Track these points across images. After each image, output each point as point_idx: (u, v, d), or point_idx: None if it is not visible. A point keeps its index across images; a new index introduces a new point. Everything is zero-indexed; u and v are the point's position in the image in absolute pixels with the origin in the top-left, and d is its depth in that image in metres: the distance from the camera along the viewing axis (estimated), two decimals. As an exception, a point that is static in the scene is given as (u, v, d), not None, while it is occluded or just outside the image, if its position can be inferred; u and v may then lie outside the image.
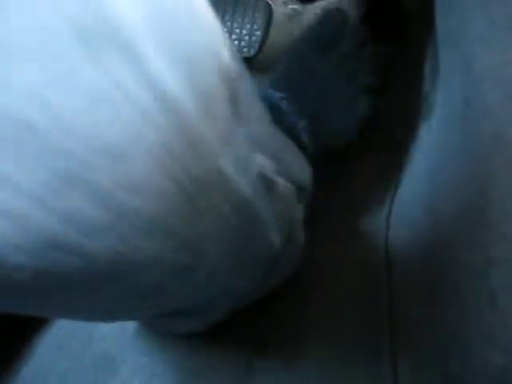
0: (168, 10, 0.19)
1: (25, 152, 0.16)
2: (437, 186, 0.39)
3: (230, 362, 0.44)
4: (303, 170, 0.42)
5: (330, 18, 0.55)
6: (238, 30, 0.59)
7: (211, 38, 0.22)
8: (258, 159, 0.30)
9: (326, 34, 0.53)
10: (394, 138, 0.57)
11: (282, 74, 0.52)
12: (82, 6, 0.16)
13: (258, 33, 0.60)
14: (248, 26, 0.58)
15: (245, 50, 0.60)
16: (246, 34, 0.58)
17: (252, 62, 0.62)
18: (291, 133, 0.47)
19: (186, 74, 0.20)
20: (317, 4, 0.70)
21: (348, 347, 0.45)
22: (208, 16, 0.22)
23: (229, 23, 0.59)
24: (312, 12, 0.69)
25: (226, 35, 0.23)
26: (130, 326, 0.48)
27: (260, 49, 0.59)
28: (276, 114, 0.46)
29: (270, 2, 0.69)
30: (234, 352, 0.45)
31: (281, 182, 0.35)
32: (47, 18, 0.15)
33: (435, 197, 0.39)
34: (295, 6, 0.70)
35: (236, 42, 0.59)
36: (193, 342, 0.46)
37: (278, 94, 0.49)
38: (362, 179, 0.55)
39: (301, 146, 0.47)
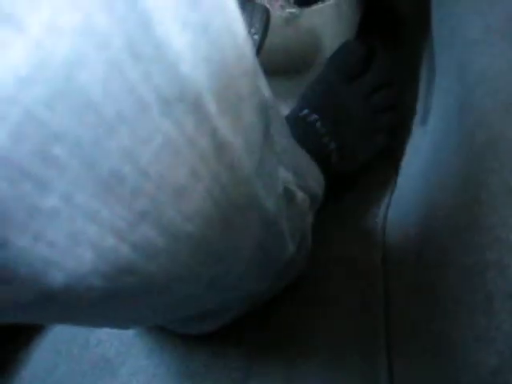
0: (224, 63, 0.21)
1: (113, 194, 0.19)
2: (433, 190, 0.40)
3: (229, 365, 0.44)
4: (318, 182, 0.45)
5: (355, 49, 0.58)
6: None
7: (254, 80, 0.24)
8: (281, 173, 0.33)
9: (351, 64, 0.57)
10: (392, 140, 0.58)
11: (314, 98, 0.56)
12: (167, 79, 0.18)
13: (256, 37, 0.60)
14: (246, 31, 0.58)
15: (242, 54, 0.61)
16: (243, 39, 0.58)
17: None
18: (322, 152, 0.52)
19: (234, 117, 0.22)
20: (314, 7, 0.70)
21: (344, 351, 0.45)
22: (251, 57, 0.23)
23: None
24: (309, 15, 0.70)
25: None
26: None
27: (258, 52, 0.60)
28: (311, 133, 0.53)
29: (268, 6, 0.70)
30: (233, 355, 0.45)
31: (299, 193, 0.39)
32: (140, 91, 0.18)
33: (431, 200, 0.39)
34: (293, 10, 0.70)
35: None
36: (193, 345, 0.46)
37: (314, 116, 0.54)
38: (358, 182, 0.56)
39: (328, 166, 0.52)
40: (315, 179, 0.44)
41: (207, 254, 0.25)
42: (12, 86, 0.15)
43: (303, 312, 0.47)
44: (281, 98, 0.62)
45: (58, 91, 0.16)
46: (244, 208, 0.26)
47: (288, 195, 0.35)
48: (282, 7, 0.70)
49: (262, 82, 0.26)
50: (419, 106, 0.55)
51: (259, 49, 0.60)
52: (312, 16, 0.69)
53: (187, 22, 0.18)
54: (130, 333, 0.48)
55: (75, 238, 0.19)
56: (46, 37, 0.15)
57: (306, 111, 0.54)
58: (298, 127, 0.53)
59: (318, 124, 0.53)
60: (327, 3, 0.69)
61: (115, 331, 0.48)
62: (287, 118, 0.55)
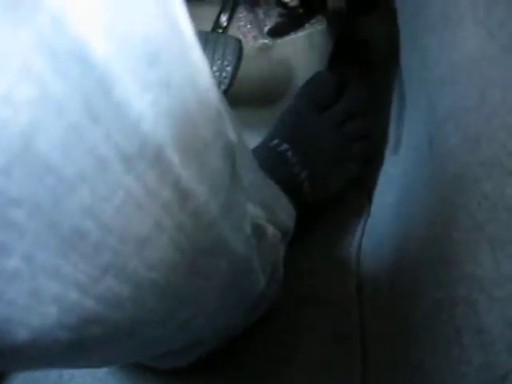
0: (186, 114, 0.21)
1: (75, 251, 0.19)
2: (405, 221, 0.40)
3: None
4: (288, 214, 0.45)
5: (326, 79, 0.59)
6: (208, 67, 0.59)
7: (218, 125, 0.24)
8: (249, 209, 0.33)
9: (321, 94, 0.57)
10: (366, 168, 0.58)
11: (285, 127, 0.57)
12: (128, 137, 0.18)
13: (229, 68, 0.60)
14: (219, 63, 0.59)
15: (215, 85, 0.61)
16: (216, 71, 0.59)
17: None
18: (293, 182, 0.52)
19: (198, 165, 0.22)
20: (287, 38, 0.71)
21: (322, 379, 0.45)
22: (215, 103, 0.23)
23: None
24: (282, 46, 0.71)
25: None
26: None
27: (231, 84, 0.60)
28: (281, 163, 0.53)
29: (241, 37, 0.70)
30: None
31: (270, 228, 0.38)
32: (100, 150, 0.17)
33: (404, 231, 0.40)
34: (266, 41, 0.71)
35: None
36: (164, 381, 0.46)
37: (285, 146, 0.54)
38: (332, 211, 0.56)
39: (300, 195, 0.52)
40: (286, 212, 0.44)
41: (173, 298, 0.25)
42: None
43: (277, 343, 0.47)
44: (254, 127, 0.62)
45: (15, 159, 0.15)
46: (210, 252, 0.26)
47: (258, 231, 0.35)
48: (255, 38, 0.71)
49: (227, 124, 0.25)
50: (391, 135, 0.56)
51: (232, 80, 0.60)
52: (284, 46, 0.70)
53: (147, 82, 0.18)
54: (103, 369, 0.47)
55: (37, 296, 0.19)
56: (1, 109, 0.15)
57: (276, 141, 0.54)
58: (269, 157, 0.53)
59: (289, 153, 0.53)
60: (299, 34, 0.70)
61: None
62: (258, 147, 0.55)
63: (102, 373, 0.47)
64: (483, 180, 0.26)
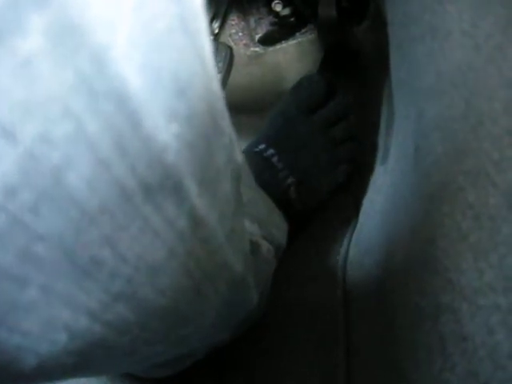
0: (205, 145, 0.21)
1: (90, 280, 0.19)
2: (392, 229, 0.40)
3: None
4: (281, 230, 0.45)
5: (315, 82, 0.58)
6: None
7: (230, 151, 0.24)
8: (247, 226, 0.33)
9: (309, 97, 0.57)
10: (353, 178, 0.59)
11: (272, 131, 0.56)
12: (152, 169, 0.18)
13: (219, 76, 0.61)
14: (209, 69, 0.59)
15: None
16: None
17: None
18: (279, 188, 0.52)
19: (212, 193, 0.23)
20: (278, 46, 0.72)
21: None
22: (229, 131, 0.24)
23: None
24: (273, 54, 0.71)
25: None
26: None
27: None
28: (267, 169, 0.52)
29: (232, 45, 0.71)
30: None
31: (264, 244, 0.39)
32: (124, 182, 0.18)
33: (390, 239, 0.40)
34: (257, 49, 0.72)
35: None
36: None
37: (271, 151, 0.53)
38: (319, 219, 0.56)
39: (287, 202, 0.52)
40: (279, 228, 0.44)
41: (175, 319, 0.25)
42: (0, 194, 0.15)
43: (262, 350, 0.47)
44: (244, 135, 0.62)
45: (44, 195, 0.16)
46: (214, 276, 0.26)
47: (253, 248, 0.35)
48: (247, 46, 0.71)
49: (237, 149, 0.26)
50: (379, 145, 0.57)
51: (222, 87, 0.60)
52: (275, 55, 0.71)
53: (174, 114, 0.18)
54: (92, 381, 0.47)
55: (50, 324, 0.19)
56: (37, 147, 0.15)
57: (262, 146, 0.54)
58: (255, 162, 0.53)
59: (275, 159, 0.53)
60: (290, 43, 0.71)
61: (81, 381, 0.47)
62: (243, 152, 0.55)
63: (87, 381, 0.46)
64: (468, 189, 0.26)
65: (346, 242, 0.53)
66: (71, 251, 0.17)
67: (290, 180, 0.53)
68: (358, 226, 0.54)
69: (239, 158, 0.26)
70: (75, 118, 0.15)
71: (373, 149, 0.58)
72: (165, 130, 0.18)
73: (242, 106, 0.66)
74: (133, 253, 0.19)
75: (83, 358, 0.21)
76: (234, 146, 0.25)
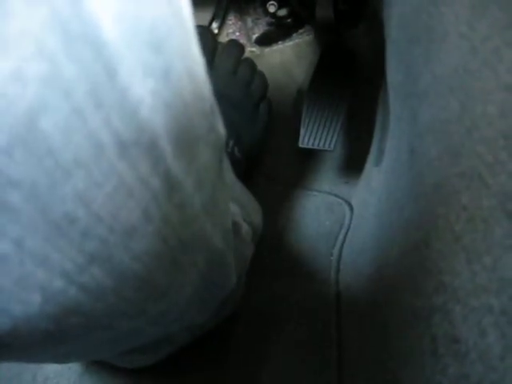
0: (182, 106, 0.21)
1: (63, 238, 0.18)
2: (385, 230, 0.40)
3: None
4: (257, 213, 0.46)
5: (228, 49, 0.62)
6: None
7: (211, 120, 0.24)
8: (231, 208, 0.34)
9: (228, 63, 0.60)
10: (348, 178, 0.59)
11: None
12: (126, 123, 0.18)
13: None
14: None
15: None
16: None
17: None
18: (226, 152, 0.53)
19: (189, 158, 0.22)
20: (275, 47, 0.72)
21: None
22: (209, 98, 0.24)
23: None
24: (269, 55, 0.71)
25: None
26: (76, 366, 0.47)
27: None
28: None
29: (229, 44, 0.71)
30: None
31: (244, 226, 0.39)
32: (99, 135, 0.17)
33: (384, 240, 0.40)
34: (253, 49, 0.72)
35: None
36: (141, 381, 0.46)
37: None
38: (313, 220, 0.56)
39: (235, 162, 0.53)
40: (256, 210, 0.45)
41: (152, 290, 0.25)
42: None
43: (253, 348, 0.47)
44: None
45: (18, 138, 0.15)
46: (191, 246, 0.26)
47: (234, 228, 0.35)
48: (244, 46, 0.71)
49: (219, 121, 0.26)
50: (374, 146, 0.57)
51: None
52: (272, 55, 0.71)
53: (150, 68, 0.18)
54: (77, 371, 0.46)
55: (23, 283, 0.19)
56: (10, 85, 0.15)
57: None
58: None
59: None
60: (287, 43, 0.71)
61: (62, 369, 0.47)
62: None
63: (76, 374, 0.46)
64: (462, 191, 0.26)
65: (339, 242, 0.53)
66: (45, 205, 0.17)
67: (231, 142, 0.54)
68: (352, 226, 0.54)
69: (221, 130, 0.26)
70: (49, 59, 0.15)
71: (367, 150, 0.58)
72: (140, 83, 0.18)
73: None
74: (107, 212, 0.19)
75: (57, 324, 0.21)
76: (216, 118, 0.25)
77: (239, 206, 0.38)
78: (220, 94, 0.57)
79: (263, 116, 0.62)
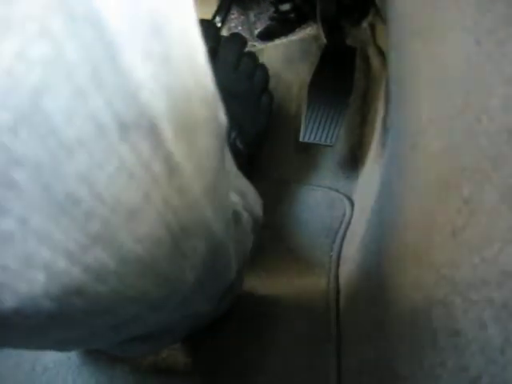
0: (183, 91, 0.21)
1: (67, 217, 0.19)
2: (385, 227, 0.40)
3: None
4: (257, 203, 0.46)
5: (231, 42, 0.63)
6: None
7: (212, 107, 0.25)
8: (232, 197, 0.34)
9: (231, 56, 0.61)
10: (348, 173, 0.59)
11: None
12: (127, 105, 0.19)
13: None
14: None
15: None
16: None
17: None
18: (228, 143, 0.53)
19: (189, 143, 0.23)
20: (277, 42, 0.72)
21: (296, 381, 0.45)
22: (210, 85, 0.24)
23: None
24: (272, 50, 0.71)
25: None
26: (75, 356, 0.47)
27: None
28: None
29: (231, 38, 0.71)
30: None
31: (245, 215, 0.40)
32: (101, 117, 0.18)
33: (383, 237, 0.40)
34: (256, 44, 0.72)
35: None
36: (140, 375, 0.46)
37: None
38: (313, 216, 0.56)
39: (237, 154, 0.53)
40: (256, 201, 0.45)
41: (154, 275, 0.25)
42: None
43: (253, 347, 0.47)
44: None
45: (23, 117, 0.16)
46: (192, 231, 0.26)
47: (235, 217, 0.35)
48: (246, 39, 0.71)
49: (220, 109, 0.26)
50: (375, 142, 0.57)
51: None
52: (274, 50, 0.71)
53: (150, 52, 0.19)
54: (76, 361, 0.47)
55: (28, 261, 0.19)
56: (15, 65, 0.15)
57: None
58: None
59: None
60: (289, 39, 0.71)
61: (62, 359, 0.47)
62: None
63: (75, 365, 0.46)
64: (464, 185, 0.26)
65: (339, 237, 0.54)
66: (49, 184, 0.18)
67: (233, 134, 0.56)
68: (352, 222, 0.54)
69: (223, 118, 0.26)
70: (53, 39, 0.15)
71: (368, 145, 0.58)
72: (140, 67, 0.18)
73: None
74: (109, 193, 0.20)
75: (60, 304, 0.21)
76: (218, 105, 0.25)
77: (240, 196, 0.38)
78: (222, 86, 0.57)
79: (265, 108, 0.63)
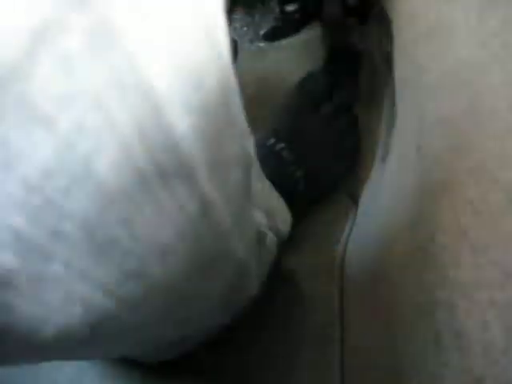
0: (218, 135, 0.22)
1: (105, 257, 0.20)
2: (390, 227, 0.40)
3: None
4: (286, 223, 0.46)
5: (319, 77, 0.61)
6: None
7: (242, 141, 0.25)
8: (256, 217, 0.35)
9: (314, 93, 0.59)
10: (353, 175, 0.59)
11: (280, 126, 0.58)
12: (168, 157, 0.19)
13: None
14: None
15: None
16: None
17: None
18: (288, 181, 0.53)
19: (222, 180, 0.24)
20: (282, 43, 0.72)
21: (301, 379, 0.45)
22: (242, 122, 0.25)
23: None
24: (277, 50, 0.71)
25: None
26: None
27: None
28: (277, 162, 0.53)
29: (237, 39, 0.71)
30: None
31: (270, 234, 0.40)
32: (144, 168, 0.19)
33: (388, 237, 0.40)
34: (261, 44, 0.72)
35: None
36: (158, 374, 0.46)
37: (281, 145, 0.54)
38: (317, 217, 0.56)
39: (294, 195, 0.52)
40: (284, 220, 0.45)
41: (178, 299, 0.27)
42: (37, 177, 0.16)
43: (256, 349, 0.47)
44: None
45: (75, 180, 0.17)
46: (219, 260, 0.28)
47: (259, 237, 0.36)
48: (251, 41, 0.71)
49: (249, 140, 0.27)
50: (381, 142, 0.57)
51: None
52: (279, 51, 0.71)
53: (191, 106, 0.19)
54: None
55: (68, 298, 0.20)
56: (72, 135, 0.16)
57: (272, 140, 0.55)
58: (265, 157, 0.53)
59: (285, 153, 0.54)
60: (295, 39, 0.71)
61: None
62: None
63: (82, 364, 0.47)
64: (469, 185, 0.26)
65: (343, 238, 0.54)
66: (92, 230, 0.19)
67: (299, 173, 0.54)
68: (357, 223, 0.54)
69: (250, 148, 0.27)
70: (105, 109, 0.16)
71: (374, 146, 0.58)
72: (182, 120, 0.19)
73: (245, 100, 0.66)
74: (145, 234, 0.21)
75: (95, 330, 0.22)
76: (246, 137, 0.26)
77: (266, 216, 0.39)
78: (310, 134, 0.58)
79: (344, 169, 0.61)
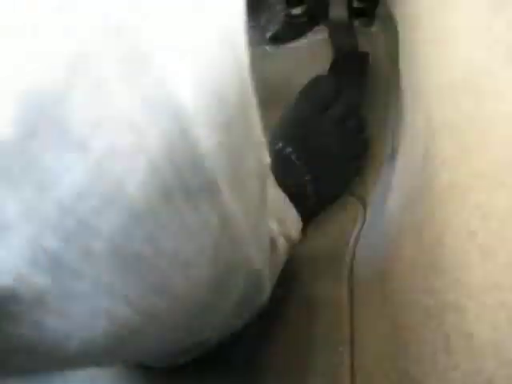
0: (239, 150, 0.23)
1: (131, 271, 0.20)
2: (398, 229, 0.40)
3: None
4: (297, 228, 0.46)
5: (326, 81, 0.60)
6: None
7: (259, 153, 0.26)
8: (270, 224, 0.35)
9: (322, 95, 0.59)
10: (361, 176, 0.59)
11: (288, 130, 0.58)
12: (193, 174, 0.20)
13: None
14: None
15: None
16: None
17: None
18: (298, 185, 0.53)
19: (241, 192, 0.24)
20: (288, 46, 0.72)
21: (310, 380, 0.45)
22: (259, 134, 0.25)
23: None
24: (283, 53, 0.71)
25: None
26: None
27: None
28: (286, 166, 0.54)
29: (243, 42, 0.71)
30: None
31: (280, 240, 0.41)
32: (170, 186, 0.19)
33: (397, 239, 0.40)
34: (267, 47, 0.72)
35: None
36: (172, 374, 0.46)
37: (289, 149, 0.55)
38: (326, 219, 0.56)
39: (304, 199, 0.53)
40: (295, 224, 0.46)
41: (195, 309, 0.27)
42: (70, 199, 0.16)
43: (266, 350, 0.47)
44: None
45: (107, 201, 0.17)
46: (236, 270, 0.28)
47: (271, 244, 0.37)
48: (257, 44, 0.72)
49: (264, 150, 0.27)
50: (387, 145, 0.57)
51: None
52: (286, 54, 0.71)
53: (216, 122, 0.20)
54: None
55: (94, 312, 0.20)
56: (105, 157, 0.16)
57: (280, 144, 0.55)
58: (274, 161, 0.54)
59: (294, 156, 0.54)
60: (301, 42, 0.71)
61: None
62: None
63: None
64: (477, 189, 0.27)
65: (352, 240, 0.54)
66: (119, 247, 0.19)
67: (307, 177, 0.54)
68: (366, 225, 0.54)
69: (266, 158, 0.28)
70: (138, 133, 0.17)
71: (381, 149, 0.58)
72: (208, 137, 0.20)
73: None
74: (169, 248, 0.21)
75: (118, 341, 0.23)
76: (263, 148, 0.27)
77: (277, 222, 0.40)
78: (318, 137, 0.58)
79: (352, 172, 0.61)
